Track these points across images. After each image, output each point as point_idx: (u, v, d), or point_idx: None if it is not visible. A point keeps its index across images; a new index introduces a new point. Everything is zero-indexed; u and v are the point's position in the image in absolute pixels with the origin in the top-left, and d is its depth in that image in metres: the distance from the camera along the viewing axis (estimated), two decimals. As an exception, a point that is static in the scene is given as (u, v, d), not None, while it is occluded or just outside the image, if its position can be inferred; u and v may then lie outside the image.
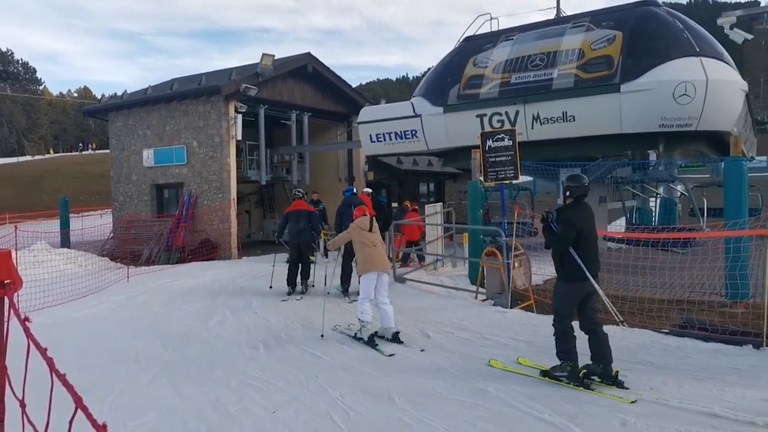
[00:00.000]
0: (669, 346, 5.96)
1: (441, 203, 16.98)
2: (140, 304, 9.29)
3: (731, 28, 13.69)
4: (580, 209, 4.96)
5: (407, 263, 12.45)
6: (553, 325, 5.02)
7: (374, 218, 7.00)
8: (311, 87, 18.60)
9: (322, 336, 6.70)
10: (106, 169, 21.36)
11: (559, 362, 4.90)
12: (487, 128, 11.82)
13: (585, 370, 4.77)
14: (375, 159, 18.57)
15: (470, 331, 6.84)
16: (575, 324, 5.02)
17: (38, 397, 1.87)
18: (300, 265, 9.62)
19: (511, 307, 7.78)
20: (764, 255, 6.06)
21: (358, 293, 7.02)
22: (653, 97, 10.44)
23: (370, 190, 12.75)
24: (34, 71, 71.38)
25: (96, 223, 19.73)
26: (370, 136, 14.45)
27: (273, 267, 10.32)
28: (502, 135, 8.62)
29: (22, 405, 1.81)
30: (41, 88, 73.79)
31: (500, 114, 12.15)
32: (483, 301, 8.40)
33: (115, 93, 64.54)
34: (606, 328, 6.56)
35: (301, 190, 10.72)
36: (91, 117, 24.16)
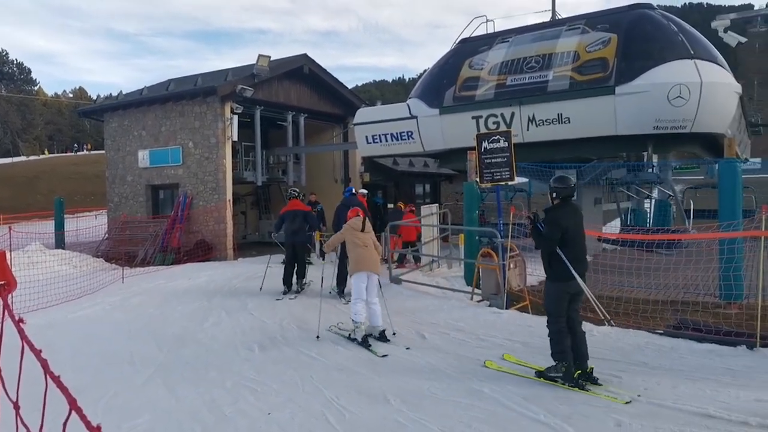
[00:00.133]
0: (663, 346, 5.99)
1: (437, 204, 17.00)
2: (135, 305, 9.26)
3: (725, 31, 13.80)
4: (567, 210, 5.03)
5: (403, 264, 12.46)
6: (547, 326, 5.04)
7: (367, 219, 7.02)
8: (307, 88, 18.60)
9: (317, 337, 6.70)
10: (101, 170, 21.28)
11: (553, 363, 4.93)
12: (483, 130, 11.85)
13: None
14: (371, 160, 18.59)
15: (466, 332, 6.85)
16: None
17: (33, 399, 1.87)
18: (296, 264, 9.68)
19: (506, 308, 7.79)
20: (758, 256, 6.09)
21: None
22: (648, 99, 10.49)
23: (365, 191, 12.77)
24: (29, 71, 71.11)
25: (91, 224, 19.64)
26: (366, 137, 14.46)
27: (267, 268, 10.31)
28: (498, 136, 8.65)
29: (16, 407, 1.80)
30: (36, 88, 73.49)
31: (496, 116, 12.18)
32: (478, 302, 8.41)
33: (111, 94, 64.10)
34: (598, 330, 6.62)
35: (297, 190, 10.72)
36: (86, 117, 24.03)
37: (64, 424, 1.47)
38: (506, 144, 8.51)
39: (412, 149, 14.13)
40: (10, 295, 1.84)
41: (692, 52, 10.79)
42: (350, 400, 4.62)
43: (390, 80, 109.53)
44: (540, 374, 5.02)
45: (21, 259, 13.10)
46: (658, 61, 10.69)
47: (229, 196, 15.64)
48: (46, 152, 61.37)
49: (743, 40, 14.48)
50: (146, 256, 15.42)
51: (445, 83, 13.29)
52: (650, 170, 13.53)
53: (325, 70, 18.73)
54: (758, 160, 22.60)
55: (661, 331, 6.44)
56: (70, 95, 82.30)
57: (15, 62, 68.81)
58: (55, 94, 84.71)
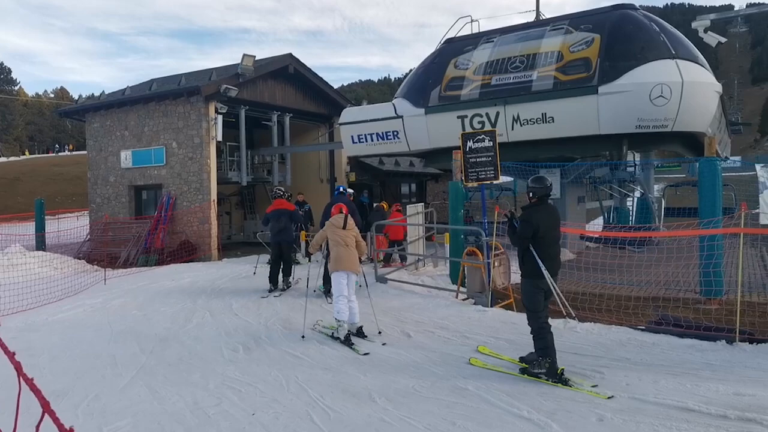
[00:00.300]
0: (645, 342, 6.06)
1: (423, 203, 17.04)
2: (117, 307, 9.14)
3: (706, 31, 13.99)
4: (542, 209, 5.12)
5: (389, 263, 12.46)
6: (528, 323, 5.09)
7: (350, 216, 7.01)
8: (293, 88, 18.51)
9: (303, 337, 6.68)
10: (82, 171, 20.98)
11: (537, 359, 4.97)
12: (468, 129, 11.91)
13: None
14: (357, 160, 18.58)
15: (451, 330, 6.87)
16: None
17: (8, 403, 1.83)
18: (281, 263, 9.74)
19: (491, 306, 7.84)
20: (738, 253, 6.20)
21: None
22: (630, 98, 10.62)
23: (351, 191, 12.74)
24: (10, 71, 70.08)
25: (72, 226, 19.34)
26: (352, 137, 14.45)
27: (256, 267, 10.31)
28: (483, 136, 8.68)
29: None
30: (17, 88, 72.33)
31: (481, 115, 12.25)
32: (464, 300, 8.45)
33: (93, 94, 63.53)
34: (581, 326, 6.69)
35: (282, 189, 10.68)
36: (67, 118, 23.65)
37: (37, 427, 1.44)
38: (491, 143, 8.55)
39: (397, 149, 14.14)
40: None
41: (674, 52, 10.95)
42: (335, 400, 4.60)
43: (375, 80, 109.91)
44: (524, 371, 5.06)
45: (0, 261, 12.87)
46: (640, 61, 10.82)
47: (214, 196, 15.51)
48: (26, 153, 60.36)
49: (723, 40, 14.69)
50: (129, 257, 15.24)
51: (431, 83, 13.32)
52: (628, 169, 13.71)
53: (311, 69, 18.66)
54: (738, 158, 22.97)
55: (643, 327, 6.53)
56: (52, 95, 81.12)
57: (-6, 62, 67.68)
58: (36, 94, 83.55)
